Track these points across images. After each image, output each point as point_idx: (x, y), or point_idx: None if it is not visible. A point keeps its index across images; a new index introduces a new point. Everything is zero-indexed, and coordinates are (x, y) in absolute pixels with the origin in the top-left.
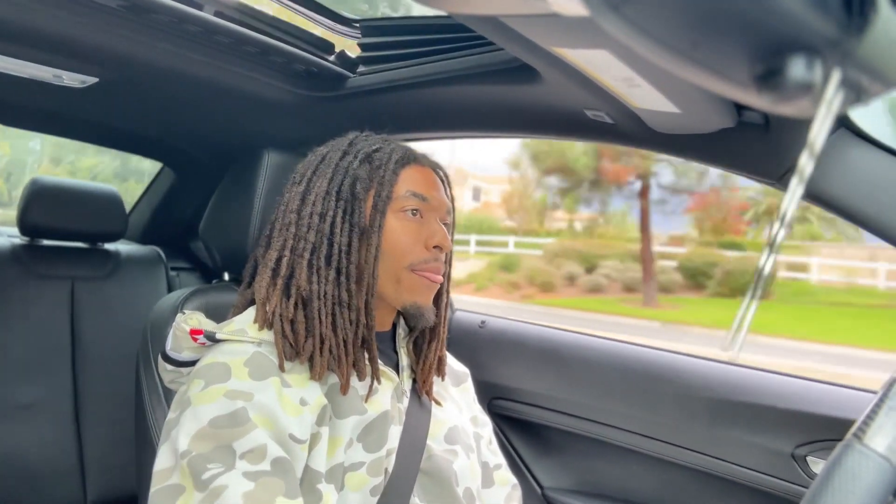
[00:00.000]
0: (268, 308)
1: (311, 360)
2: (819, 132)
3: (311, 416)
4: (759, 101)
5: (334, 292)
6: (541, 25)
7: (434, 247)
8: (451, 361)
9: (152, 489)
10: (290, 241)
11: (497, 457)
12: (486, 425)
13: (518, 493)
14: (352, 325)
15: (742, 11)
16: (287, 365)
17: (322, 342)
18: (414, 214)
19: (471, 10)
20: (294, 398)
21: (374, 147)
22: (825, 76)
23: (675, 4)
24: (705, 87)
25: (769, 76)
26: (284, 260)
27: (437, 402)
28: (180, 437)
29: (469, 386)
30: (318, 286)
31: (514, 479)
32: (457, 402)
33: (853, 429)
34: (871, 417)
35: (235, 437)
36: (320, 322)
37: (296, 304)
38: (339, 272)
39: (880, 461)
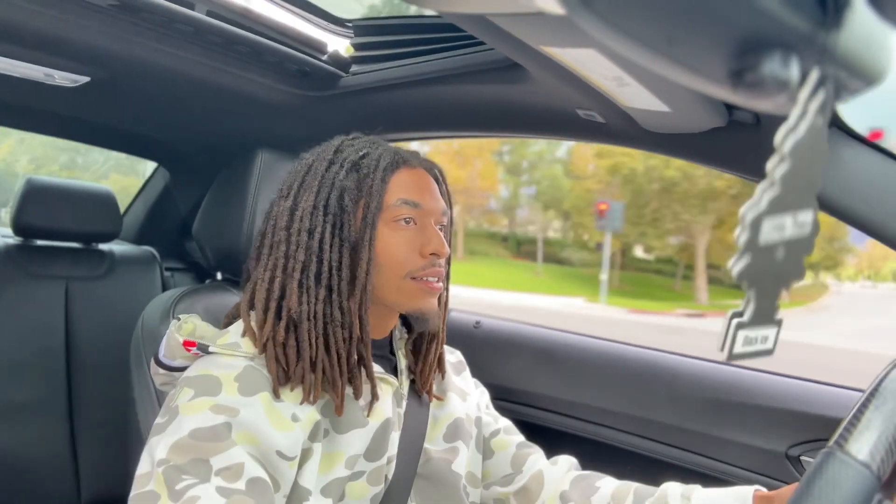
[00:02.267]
0: (265, 330)
1: (303, 383)
2: (797, 130)
3: (303, 432)
4: (734, 97)
5: (325, 311)
6: (527, 24)
7: (431, 254)
8: (446, 353)
9: (131, 493)
10: (280, 261)
11: (496, 422)
12: (484, 394)
13: (530, 450)
14: (345, 343)
15: (714, 6)
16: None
17: (313, 366)
18: (407, 223)
19: (458, 9)
20: (286, 413)
21: (360, 153)
22: (803, 73)
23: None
24: (687, 84)
25: (745, 73)
26: (277, 281)
27: (439, 398)
28: (160, 445)
29: (468, 373)
30: (307, 306)
31: (518, 439)
32: (461, 390)
33: (834, 436)
34: (852, 424)
35: (214, 452)
36: (310, 345)
37: (286, 326)
38: (330, 290)
39: (861, 469)
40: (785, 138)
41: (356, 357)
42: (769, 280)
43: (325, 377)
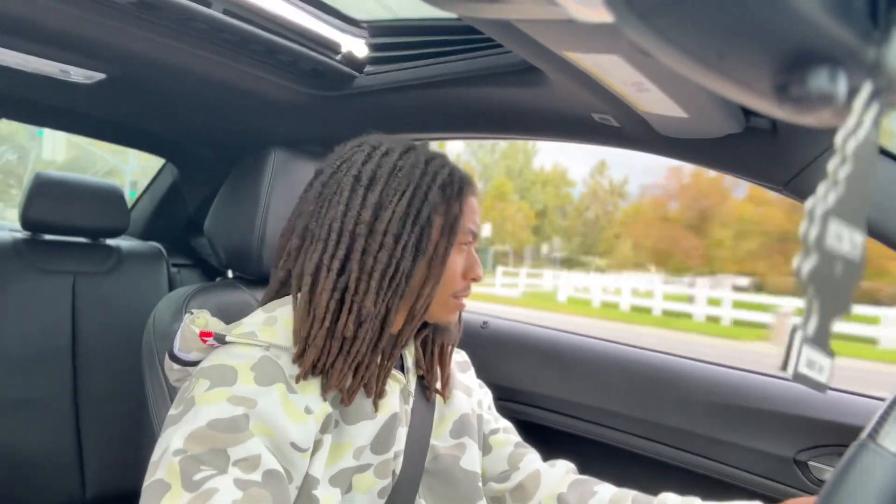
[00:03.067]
0: (325, 323)
1: (333, 375)
2: (856, 134)
3: (316, 424)
4: (779, 111)
5: (386, 315)
6: (553, 30)
7: (472, 278)
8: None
9: (145, 482)
10: (356, 254)
11: (497, 421)
12: (487, 395)
13: (527, 450)
14: (389, 345)
15: (767, 22)
16: (293, 371)
17: (354, 360)
18: (466, 247)
19: (484, 15)
20: (300, 405)
21: (446, 172)
22: (849, 87)
23: (703, 15)
24: (727, 96)
25: (792, 87)
26: (352, 276)
27: (444, 395)
28: (176, 435)
29: (472, 372)
30: (376, 307)
31: (515, 439)
32: (466, 387)
33: (867, 429)
34: (885, 417)
35: (231, 443)
36: (362, 342)
37: (356, 322)
38: (393, 295)
39: (894, 460)
40: (845, 141)
41: (385, 358)
42: (830, 295)
43: (350, 371)
